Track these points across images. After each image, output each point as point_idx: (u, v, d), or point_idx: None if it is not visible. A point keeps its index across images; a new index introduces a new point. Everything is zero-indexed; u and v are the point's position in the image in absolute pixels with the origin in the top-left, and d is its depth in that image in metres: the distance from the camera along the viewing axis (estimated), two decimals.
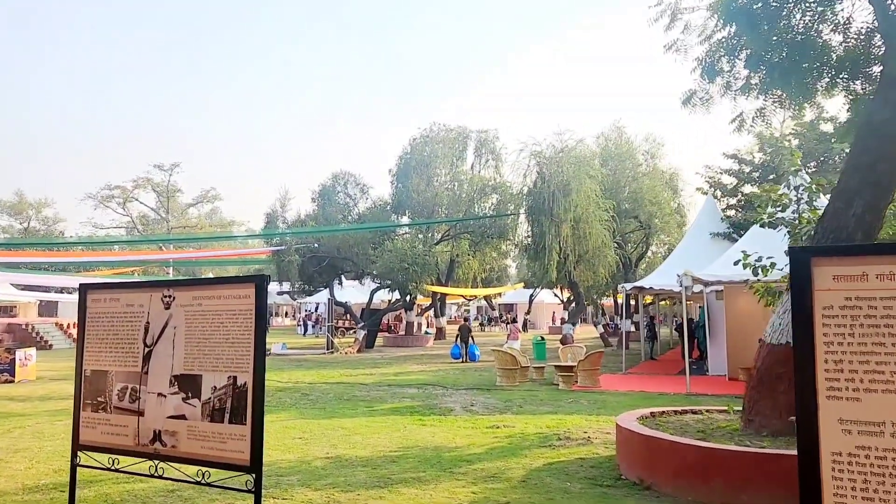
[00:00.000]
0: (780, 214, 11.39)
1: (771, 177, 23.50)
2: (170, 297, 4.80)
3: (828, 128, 23.32)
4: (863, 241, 7.08)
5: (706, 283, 16.61)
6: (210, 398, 4.55)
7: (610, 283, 32.86)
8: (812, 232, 10.98)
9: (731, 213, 25.26)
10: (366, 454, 8.98)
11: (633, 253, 33.53)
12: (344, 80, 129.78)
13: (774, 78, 7.57)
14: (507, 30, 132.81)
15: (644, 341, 25.96)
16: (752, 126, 8.29)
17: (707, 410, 8.69)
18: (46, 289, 41.52)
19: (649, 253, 35.19)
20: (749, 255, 11.77)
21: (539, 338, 27.00)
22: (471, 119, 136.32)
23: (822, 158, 20.88)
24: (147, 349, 4.79)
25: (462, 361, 24.68)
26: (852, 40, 7.63)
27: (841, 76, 7.74)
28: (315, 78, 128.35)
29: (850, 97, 7.87)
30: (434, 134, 37.80)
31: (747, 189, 25.89)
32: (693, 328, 25.29)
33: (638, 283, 21.79)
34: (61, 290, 43.70)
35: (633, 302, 31.39)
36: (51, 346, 33.00)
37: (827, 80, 7.80)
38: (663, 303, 39.40)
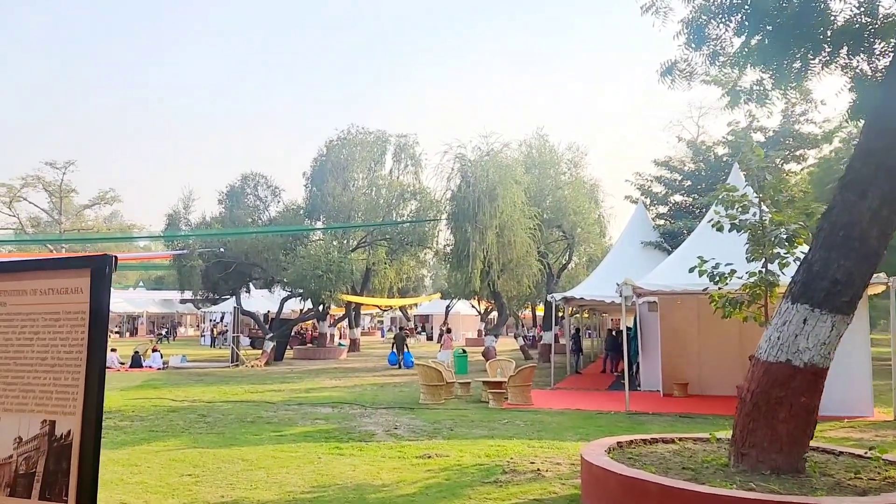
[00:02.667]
0: (743, 217, 10.42)
1: (701, 185, 23.06)
2: None
3: (758, 137, 23.09)
4: (879, 239, 5.98)
5: (648, 293, 15.63)
6: (12, 457, 2.79)
7: (532, 293, 31.87)
8: (781, 235, 10.02)
9: (662, 222, 24.66)
10: (271, 497, 7.22)
11: (555, 263, 32.65)
12: (255, 77, 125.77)
13: (769, 49, 6.43)
14: (428, 31, 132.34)
15: (570, 354, 24.99)
16: (746, 101, 7.15)
17: (680, 439, 7.43)
18: None
19: (571, 264, 34.45)
20: (706, 262, 10.75)
21: (460, 350, 25.65)
22: (391, 124, 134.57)
23: (746, 170, 20.53)
24: None
25: (398, 368, 25.69)
26: (854, 9, 6.58)
27: (840, 51, 6.69)
28: (222, 77, 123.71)
29: (850, 75, 6.85)
30: (352, 136, 36.10)
31: (678, 198, 25.38)
32: (621, 341, 24.51)
33: (568, 294, 20.73)
34: None
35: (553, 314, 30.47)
36: None
37: (825, 55, 6.73)
38: (584, 315, 38.94)
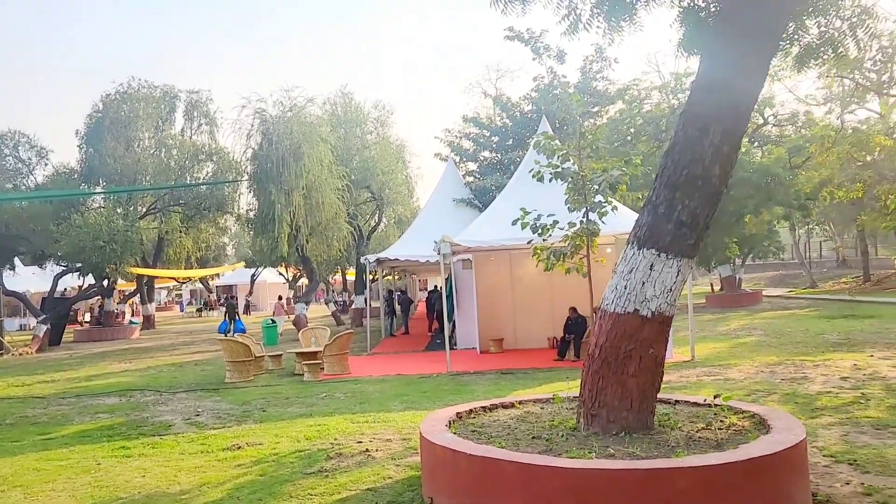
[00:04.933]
0: (566, 165, 10.12)
1: (509, 141, 23.17)
2: None
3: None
4: (720, 178, 5.67)
5: (465, 250, 15.21)
6: None
7: (343, 256, 30.80)
8: (604, 183, 9.80)
9: (472, 179, 24.52)
10: None
11: (365, 225, 31.80)
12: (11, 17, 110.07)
13: None
14: None
15: (384, 317, 24.36)
16: (587, 26, 6.53)
17: (521, 402, 6.85)
18: None
19: (381, 225, 33.79)
20: (528, 213, 10.38)
21: (269, 320, 24.01)
22: (181, 79, 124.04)
23: (562, 119, 20.96)
24: None
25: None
26: None
27: None
28: None
29: (681, 6, 6.49)
30: (134, 91, 32.24)
31: (487, 154, 25.36)
32: (433, 300, 24.33)
33: (382, 255, 19.93)
34: None
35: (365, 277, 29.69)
36: None
37: None
38: (393, 277, 38.62)
